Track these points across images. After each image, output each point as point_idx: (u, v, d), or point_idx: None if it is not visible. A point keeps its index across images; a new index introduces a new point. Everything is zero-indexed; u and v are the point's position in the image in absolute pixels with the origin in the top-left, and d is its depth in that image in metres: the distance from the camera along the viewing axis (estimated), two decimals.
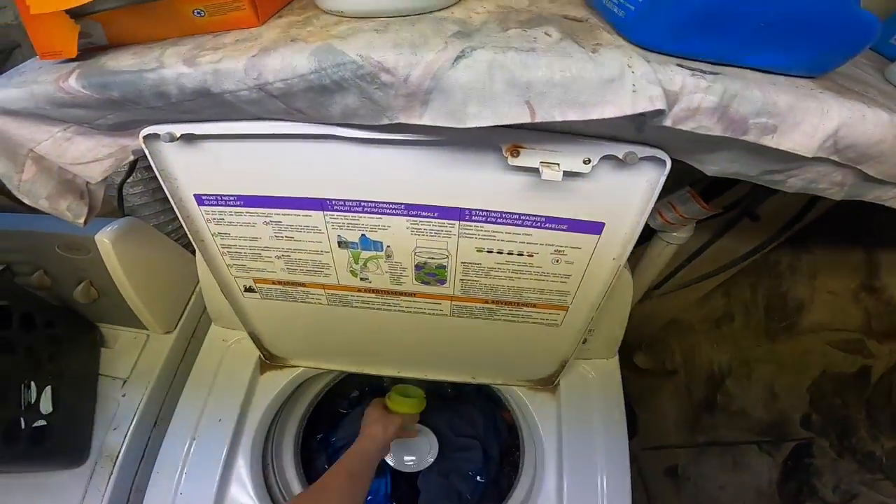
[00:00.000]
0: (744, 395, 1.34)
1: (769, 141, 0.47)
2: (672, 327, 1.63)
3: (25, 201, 0.64)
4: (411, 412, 1.22)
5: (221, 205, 0.70)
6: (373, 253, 0.74)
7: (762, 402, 1.27)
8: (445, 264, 0.74)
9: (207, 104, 0.52)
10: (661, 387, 1.71)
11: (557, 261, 0.71)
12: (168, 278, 1.19)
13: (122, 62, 0.51)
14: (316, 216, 0.69)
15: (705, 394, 1.47)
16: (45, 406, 0.99)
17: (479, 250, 0.71)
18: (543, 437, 1.04)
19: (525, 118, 0.45)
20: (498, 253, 0.71)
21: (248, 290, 0.87)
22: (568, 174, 0.56)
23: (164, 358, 1.15)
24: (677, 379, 1.64)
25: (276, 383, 1.11)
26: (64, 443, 1.00)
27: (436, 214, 0.67)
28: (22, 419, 0.94)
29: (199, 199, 0.70)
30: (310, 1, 0.59)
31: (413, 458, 1.28)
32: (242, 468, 1.03)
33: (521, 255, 0.71)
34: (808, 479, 1.12)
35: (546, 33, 0.48)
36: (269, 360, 1.11)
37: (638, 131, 0.53)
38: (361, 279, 0.79)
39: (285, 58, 0.47)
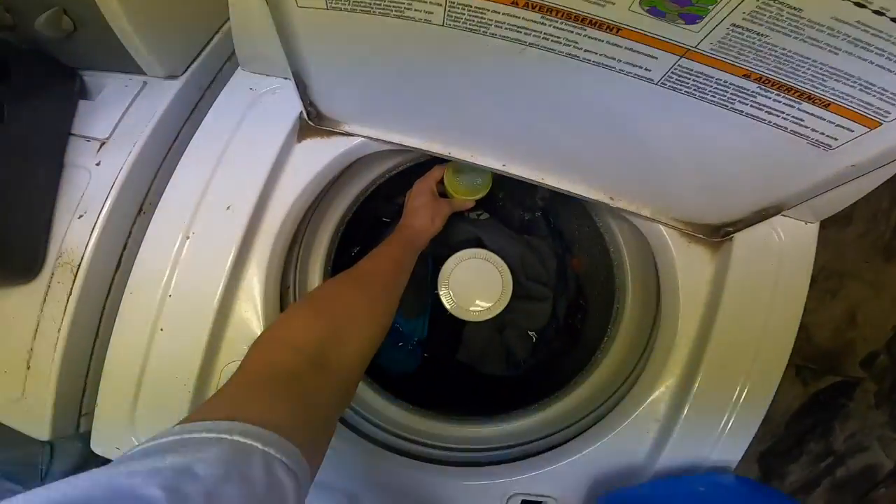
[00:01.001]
0: (817, 310, 1.16)
1: None
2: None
3: None
4: (472, 197, 0.93)
5: None
6: None
7: (833, 326, 1.11)
8: None
9: None
10: None
11: None
12: (182, 2, 0.80)
13: None
14: None
15: None
16: None
17: None
18: (683, 307, 0.72)
19: None
20: (857, 5, 0.34)
21: None
22: None
23: (163, 110, 0.78)
24: None
25: (317, 158, 0.73)
26: (5, 237, 0.68)
27: None
28: None
29: None
30: None
31: (476, 301, 0.93)
32: (256, 291, 0.71)
33: None
34: (831, 419, 1.03)
35: None
36: (313, 121, 0.72)
37: None
38: None
39: None
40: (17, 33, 0.75)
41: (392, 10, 0.48)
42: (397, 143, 0.73)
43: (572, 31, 0.44)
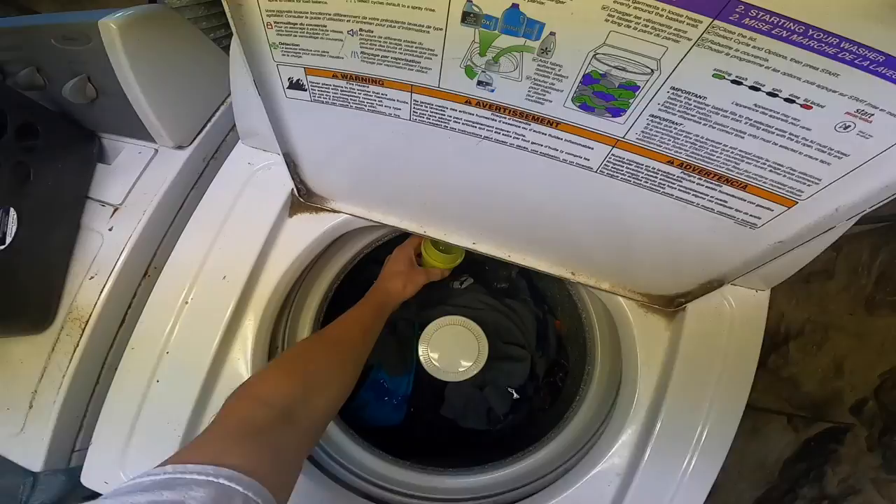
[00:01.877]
0: (804, 362, 1.16)
1: None
2: None
3: None
4: (446, 267, 0.96)
5: None
6: (518, 41, 0.40)
7: (820, 376, 1.12)
8: (640, 84, 0.40)
9: None
10: None
11: (847, 127, 0.39)
12: (191, 80, 0.86)
13: None
14: None
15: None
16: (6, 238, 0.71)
17: (720, 76, 0.38)
18: (641, 370, 0.74)
19: None
20: (751, 89, 0.38)
21: (295, 85, 0.53)
22: None
23: (170, 181, 0.84)
24: None
25: (306, 232, 0.78)
26: (22, 294, 0.72)
27: None
28: None
29: None
30: None
31: (454, 363, 0.96)
32: (248, 355, 0.75)
33: (792, 102, 0.38)
34: (823, 464, 1.01)
35: None
36: (303, 198, 0.77)
37: None
38: (480, 83, 0.46)
39: None
40: (45, 93, 0.81)
41: (366, 106, 0.53)
42: (378, 221, 0.78)
43: (519, 126, 0.49)
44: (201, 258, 0.75)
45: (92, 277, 0.78)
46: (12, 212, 0.71)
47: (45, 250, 0.76)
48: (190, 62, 0.86)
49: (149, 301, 0.75)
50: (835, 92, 0.37)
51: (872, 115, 0.37)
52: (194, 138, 0.88)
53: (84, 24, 0.72)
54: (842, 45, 0.33)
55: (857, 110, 0.37)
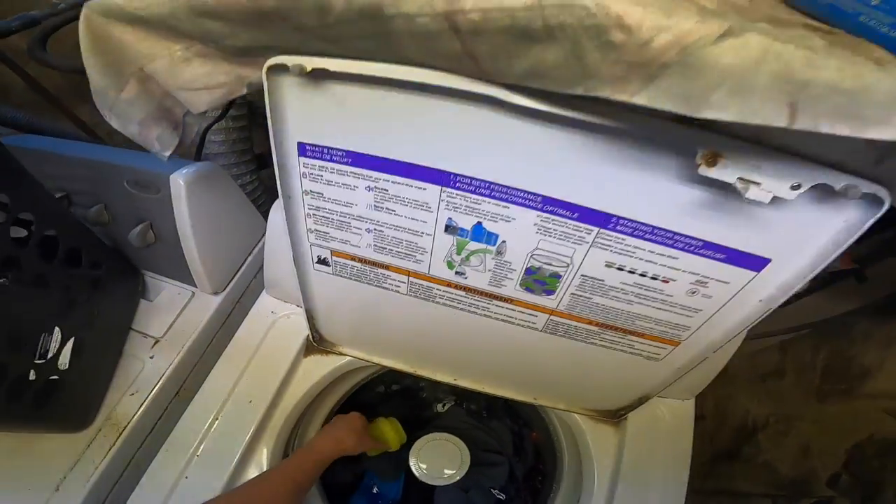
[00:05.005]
0: (774, 449, 1.30)
1: None
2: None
3: (114, 124, 0.56)
4: (391, 447, 1.08)
5: (325, 158, 0.60)
6: (482, 246, 0.63)
7: (792, 459, 1.24)
8: (562, 274, 0.63)
9: (363, 32, 0.43)
10: None
11: (694, 292, 0.61)
12: (231, 234, 1.05)
13: None
14: (431, 191, 0.59)
15: (730, 444, 1.44)
16: (64, 360, 0.82)
17: (609, 266, 0.60)
18: (597, 471, 0.94)
19: (780, 121, 0.34)
20: (629, 272, 0.60)
21: (322, 261, 0.76)
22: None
23: (206, 321, 1.00)
24: (702, 424, 1.57)
25: (318, 369, 0.99)
26: (71, 403, 0.85)
27: (576, 215, 0.56)
28: (33, 371, 0.75)
29: (302, 149, 0.60)
30: None
31: (440, 470, 1.15)
32: (264, 459, 0.91)
33: (656, 279, 0.60)
34: None
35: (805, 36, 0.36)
36: (316, 343, 0.99)
37: (876, 163, 0.43)
38: (457, 273, 0.69)
39: None
40: (106, 230, 0.96)
41: (374, 283, 0.76)
42: (377, 363, 0.99)
43: (484, 301, 0.72)
44: (231, 385, 0.93)
45: (132, 394, 0.91)
46: (72, 340, 0.83)
47: (94, 372, 0.89)
48: (230, 216, 1.04)
49: (184, 414, 0.90)
50: (679, 269, 0.58)
51: (707, 282, 0.59)
52: (227, 285, 1.06)
53: (157, 175, 0.86)
54: (675, 238, 0.55)
55: (697, 280, 0.59)
